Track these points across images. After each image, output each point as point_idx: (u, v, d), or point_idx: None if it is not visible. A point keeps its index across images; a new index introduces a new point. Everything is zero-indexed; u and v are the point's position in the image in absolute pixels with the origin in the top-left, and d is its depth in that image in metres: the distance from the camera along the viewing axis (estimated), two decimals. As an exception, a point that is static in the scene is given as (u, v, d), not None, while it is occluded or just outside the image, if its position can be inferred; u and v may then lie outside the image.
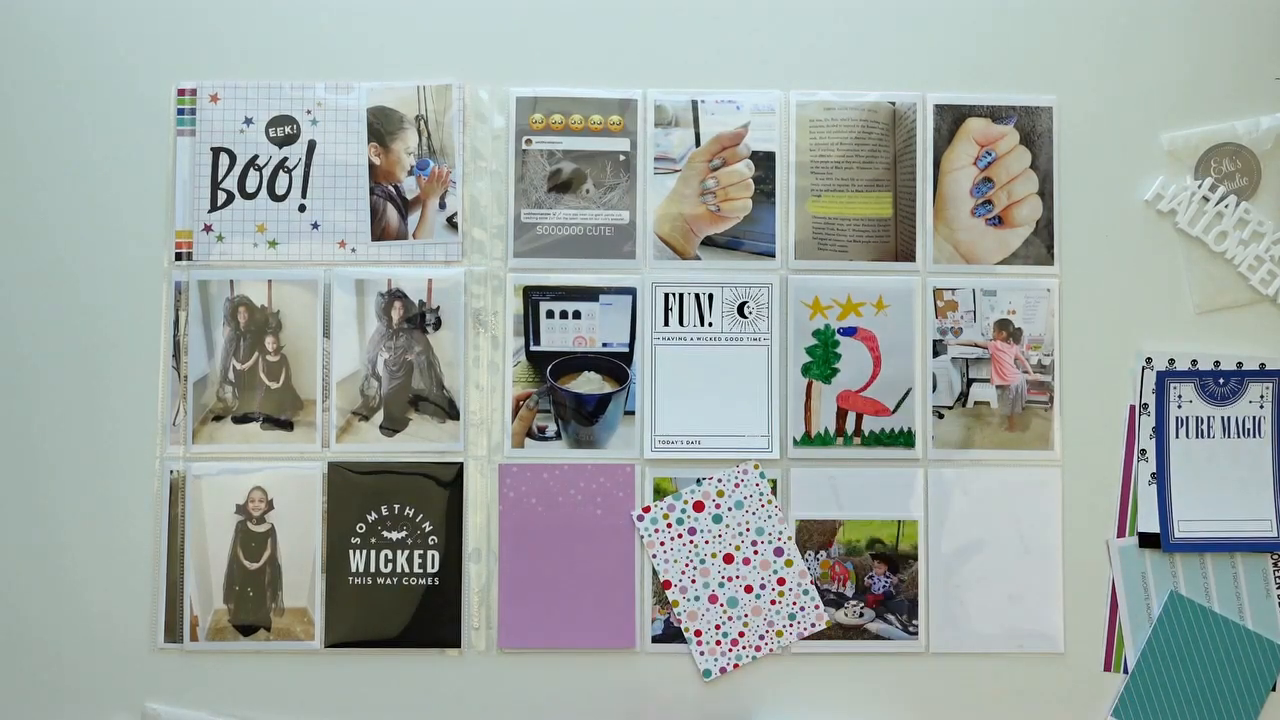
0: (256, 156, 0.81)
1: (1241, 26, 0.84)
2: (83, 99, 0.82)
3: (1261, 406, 0.82)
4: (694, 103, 0.83)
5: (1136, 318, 0.83)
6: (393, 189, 0.82)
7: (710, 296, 0.82)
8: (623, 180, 0.82)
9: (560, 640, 0.80)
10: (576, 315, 0.82)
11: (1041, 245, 0.83)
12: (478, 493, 0.81)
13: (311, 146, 0.82)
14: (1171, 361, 0.82)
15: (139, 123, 0.82)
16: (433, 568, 0.80)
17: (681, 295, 0.82)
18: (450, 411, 0.81)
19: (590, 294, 0.82)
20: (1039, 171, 0.83)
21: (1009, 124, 0.83)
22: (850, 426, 0.82)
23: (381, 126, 0.82)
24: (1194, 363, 0.82)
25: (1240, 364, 0.82)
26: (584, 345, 0.82)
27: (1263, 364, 0.82)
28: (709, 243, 0.82)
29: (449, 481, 0.80)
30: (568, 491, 0.81)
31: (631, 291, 0.82)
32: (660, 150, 0.83)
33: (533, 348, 0.81)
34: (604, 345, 0.82)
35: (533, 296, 0.82)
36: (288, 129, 0.81)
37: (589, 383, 0.82)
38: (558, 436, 0.81)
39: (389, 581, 0.80)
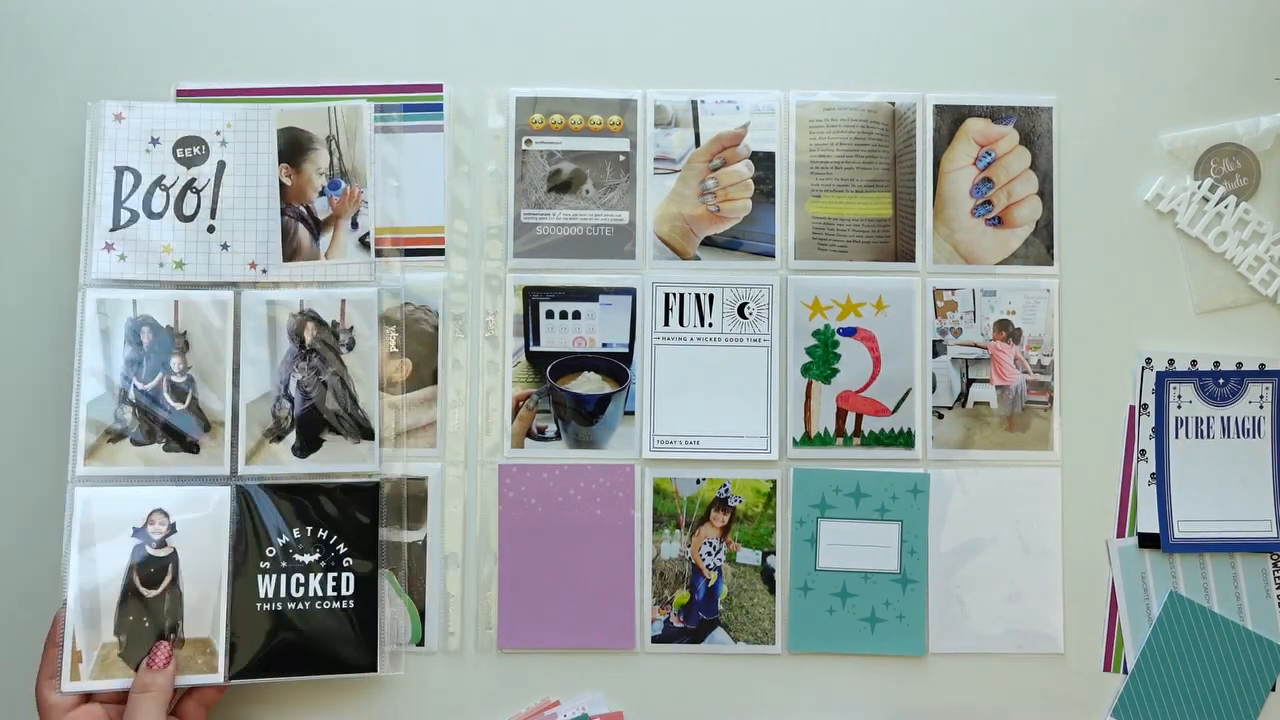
0: (163, 177, 0.79)
1: (1242, 27, 0.84)
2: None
3: (1261, 407, 0.82)
4: (694, 103, 0.83)
5: (1136, 318, 0.83)
6: (304, 209, 0.80)
7: (710, 297, 0.82)
8: (623, 180, 0.82)
9: (560, 640, 0.80)
10: (576, 315, 0.82)
11: (1041, 245, 0.83)
12: (477, 493, 0.81)
13: (221, 167, 0.80)
14: (1171, 361, 0.82)
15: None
16: (347, 590, 0.77)
17: (682, 295, 0.82)
18: (365, 432, 0.79)
19: (590, 294, 0.82)
20: (1039, 172, 0.83)
21: (1009, 124, 0.83)
22: (850, 427, 0.82)
23: (292, 147, 0.80)
24: (1194, 363, 0.82)
25: (1240, 364, 0.82)
26: (584, 345, 0.82)
27: (1263, 364, 0.82)
28: (709, 243, 0.82)
29: (364, 502, 0.78)
30: (568, 491, 0.81)
31: (631, 292, 0.82)
32: (660, 150, 0.83)
33: (532, 348, 0.81)
34: (604, 345, 0.82)
35: (532, 297, 0.82)
36: (196, 149, 0.80)
37: (589, 383, 0.82)
38: (557, 437, 0.81)
39: (301, 606, 0.77)
